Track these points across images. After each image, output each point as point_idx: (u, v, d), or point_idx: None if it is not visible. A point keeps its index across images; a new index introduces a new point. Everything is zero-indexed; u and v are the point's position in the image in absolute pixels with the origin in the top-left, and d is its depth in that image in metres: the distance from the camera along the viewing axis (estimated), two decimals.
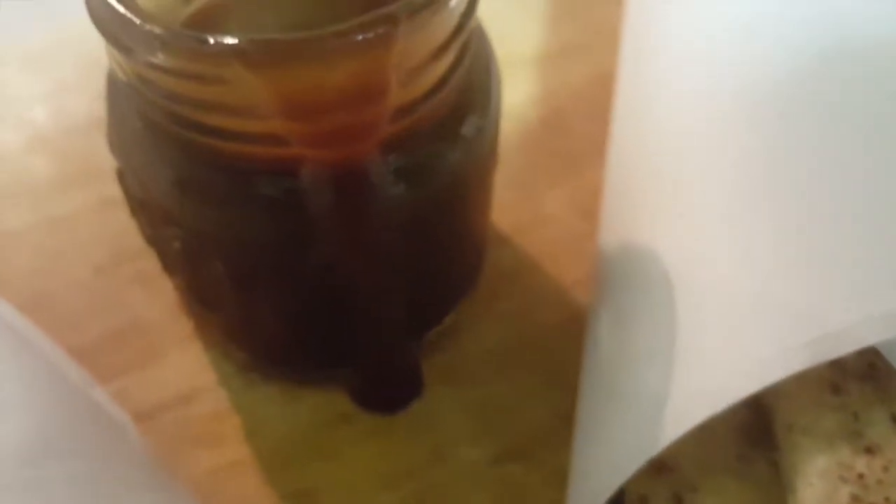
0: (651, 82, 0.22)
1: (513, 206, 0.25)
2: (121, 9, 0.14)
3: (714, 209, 0.17)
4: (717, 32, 0.21)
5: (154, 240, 0.19)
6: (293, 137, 0.15)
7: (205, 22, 0.19)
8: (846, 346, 0.14)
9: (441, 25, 0.15)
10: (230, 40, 0.14)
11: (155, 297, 0.23)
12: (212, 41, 0.14)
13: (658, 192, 0.19)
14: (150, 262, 0.21)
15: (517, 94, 0.28)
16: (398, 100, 0.15)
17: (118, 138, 0.18)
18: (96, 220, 0.25)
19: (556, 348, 0.22)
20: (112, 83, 0.18)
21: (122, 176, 0.18)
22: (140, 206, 0.18)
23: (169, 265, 0.19)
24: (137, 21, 0.14)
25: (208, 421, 0.21)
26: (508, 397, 0.22)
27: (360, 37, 0.14)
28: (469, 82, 0.17)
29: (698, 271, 0.17)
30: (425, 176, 0.17)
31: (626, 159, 0.22)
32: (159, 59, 0.14)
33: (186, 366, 0.22)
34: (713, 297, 0.16)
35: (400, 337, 0.20)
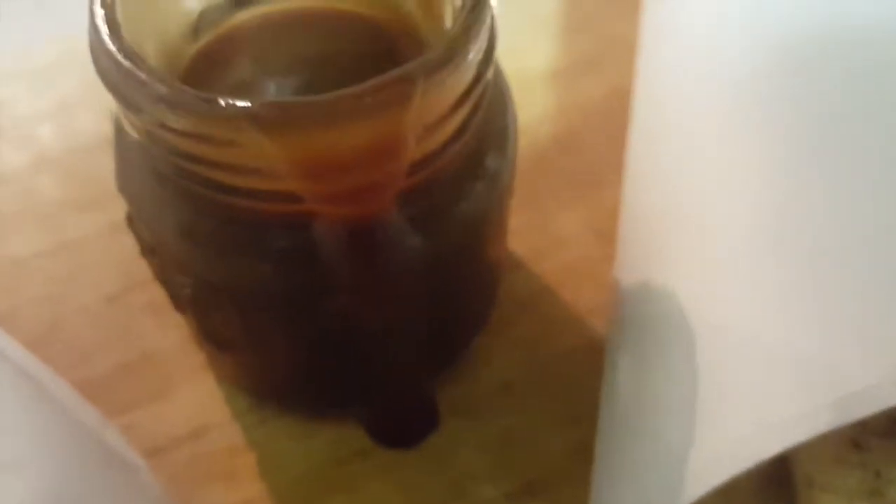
0: (668, 100, 0.22)
1: (525, 229, 0.25)
2: (127, 64, 0.14)
3: (737, 258, 0.17)
4: (739, 47, 0.20)
5: (165, 282, 0.19)
6: (307, 196, 0.15)
7: (213, 57, 0.19)
8: (872, 407, 0.14)
9: (460, 79, 0.15)
10: (243, 103, 0.13)
11: (166, 328, 0.23)
12: (223, 103, 0.13)
13: (679, 231, 0.19)
14: (160, 291, 0.21)
15: (529, 111, 0.27)
16: (415, 154, 0.15)
17: (126, 182, 0.18)
18: (105, 245, 0.25)
19: (573, 378, 0.22)
20: (120, 127, 0.18)
21: (131, 220, 0.18)
22: (150, 252, 0.18)
23: (180, 306, 0.19)
24: (145, 79, 0.14)
25: (221, 457, 0.21)
26: (524, 430, 0.21)
27: (377, 99, 0.14)
28: (486, 123, 0.17)
29: (721, 323, 0.16)
30: (442, 224, 0.17)
31: (644, 187, 0.22)
32: (168, 119, 0.14)
33: (199, 399, 0.22)
34: (736, 351, 0.16)
35: (415, 375, 0.20)
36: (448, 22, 0.17)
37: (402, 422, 0.21)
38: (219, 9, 0.19)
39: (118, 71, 0.14)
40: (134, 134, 0.15)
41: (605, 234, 0.25)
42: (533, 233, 0.25)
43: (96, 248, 0.25)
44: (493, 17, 0.15)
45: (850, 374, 0.14)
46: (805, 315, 0.15)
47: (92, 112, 0.28)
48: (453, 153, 0.16)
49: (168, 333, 0.23)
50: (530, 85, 0.28)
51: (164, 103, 0.14)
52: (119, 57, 0.14)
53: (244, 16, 0.19)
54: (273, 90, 0.19)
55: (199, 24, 0.19)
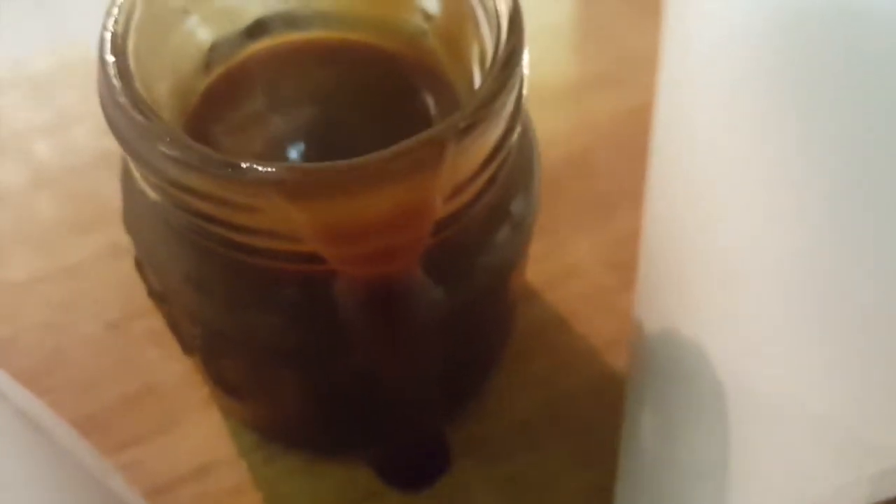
0: (692, 126, 0.21)
1: (538, 256, 0.24)
2: (141, 120, 0.13)
3: (774, 317, 0.16)
4: (770, 64, 0.19)
5: (173, 327, 0.18)
6: (329, 258, 0.14)
7: (226, 90, 0.18)
8: None
9: (490, 136, 0.14)
10: (267, 169, 0.13)
11: (170, 358, 0.22)
12: (246, 168, 0.13)
13: (709, 277, 0.18)
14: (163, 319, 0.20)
15: (541, 130, 0.26)
16: (442, 212, 0.14)
17: (133, 224, 0.17)
18: (106, 268, 0.24)
19: (588, 417, 0.22)
20: (128, 166, 0.17)
21: (139, 265, 0.17)
22: (159, 299, 0.17)
23: (188, 350, 0.19)
24: (161, 137, 0.13)
25: (227, 496, 0.21)
26: (538, 472, 0.21)
27: (405, 164, 0.13)
28: (512, 168, 0.16)
29: (752, 385, 0.16)
30: (468, 275, 0.16)
31: (666, 220, 0.21)
32: (184, 180, 0.13)
33: (204, 435, 0.21)
34: (769, 418, 0.15)
35: (427, 418, 0.20)
36: (475, 65, 0.16)
37: (414, 463, 0.21)
38: (231, 41, 0.18)
39: (131, 126, 0.13)
40: (143, 185, 0.15)
41: (620, 263, 0.24)
42: (545, 260, 0.24)
43: (97, 272, 0.24)
44: (524, 69, 0.15)
45: (892, 447, 0.14)
46: (845, 382, 0.15)
47: (92, 125, 0.27)
48: (480, 207, 0.15)
49: (172, 364, 0.22)
50: (541, 101, 0.27)
51: (182, 165, 0.13)
52: (133, 112, 0.13)
53: (257, 48, 0.18)
54: (288, 126, 0.18)
55: (211, 58, 0.18)
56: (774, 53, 0.19)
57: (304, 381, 0.18)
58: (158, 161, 0.13)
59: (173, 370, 0.22)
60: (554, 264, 0.24)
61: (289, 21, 0.18)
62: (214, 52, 0.18)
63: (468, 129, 0.13)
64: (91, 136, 0.26)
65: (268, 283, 0.15)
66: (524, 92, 0.15)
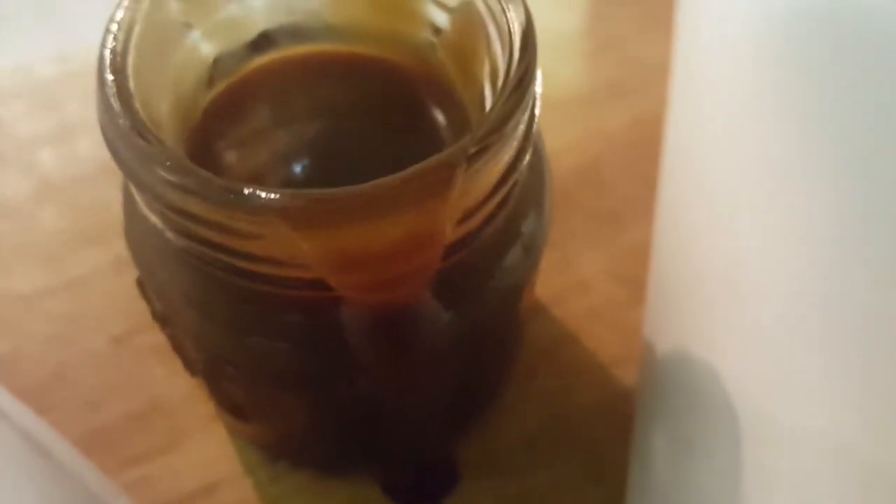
0: (705, 132, 0.20)
1: (546, 270, 0.23)
2: (143, 145, 0.13)
3: (790, 341, 0.16)
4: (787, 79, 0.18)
5: (177, 349, 0.18)
6: (335, 285, 0.14)
7: (230, 105, 0.18)
8: None
9: (501, 158, 0.14)
10: (270, 195, 0.12)
11: (175, 374, 0.22)
12: (247, 192, 0.12)
13: (723, 298, 0.17)
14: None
15: (550, 140, 0.26)
16: (451, 237, 0.14)
17: (135, 244, 0.17)
18: (110, 281, 0.24)
19: (596, 434, 0.21)
20: (128, 186, 0.17)
21: (142, 285, 0.17)
22: (161, 321, 0.17)
23: (193, 371, 0.18)
24: (163, 163, 0.13)
25: None
26: (547, 488, 0.21)
27: (414, 190, 0.13)
28: (524, 191, 0.16)
29: (769, 410, 0.15)
30: (479, 299, 0.16)
31: (677, 234, 0.20)
32: (186, 206, 0.13)
33: (210, 452, 0.21)
34: (787, 448, 0.15)
35: (435, 436, 0.19)
36: (485, 81, 0.16)
37: (421, 480, 0.20)
38: (235, 55, 0.18)
39: (130, 150, 0.13)
40: (144, 209, 0.14)
41: (629, 277, 0.24)
42: (553, 274, 0.24)
43: (101, 285, 0.24)
44: (537, 89, 0.14)
45: None
46: (862, 414, 0.14)
47: (97, 135, 0.26)
48: (491, 230, 0.15)
49: (177, 380, 0.22)
50: (549, 110, 0.27)
51: (182, 190, 0.13)
52: (132, 135, 0.13)
53: (262, 61, 0.18)
54: (292, 140, 0.18)
55: (214, 72, 0.17)
56: (794, 60, 0.18)
57: (309, 404, 0.17)
58: (158, 186, 0.13)
59: (179, 386, 0.22)
60: (563, 278, 0.24)
61: (295, 34, 0.18)
62: (218, 67, 0.17)
63: (479, 153, 0.13)
64: (96, 146, 0.26)
65: (272, 307, 0.15)
66: (537, 112, 0.14)
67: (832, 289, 0.16)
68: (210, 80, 0.17)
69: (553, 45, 0.28)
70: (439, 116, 0.18)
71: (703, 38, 0.22)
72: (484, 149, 0.13)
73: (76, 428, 0.21)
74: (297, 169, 0.18)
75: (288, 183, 0.17)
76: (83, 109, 0.27)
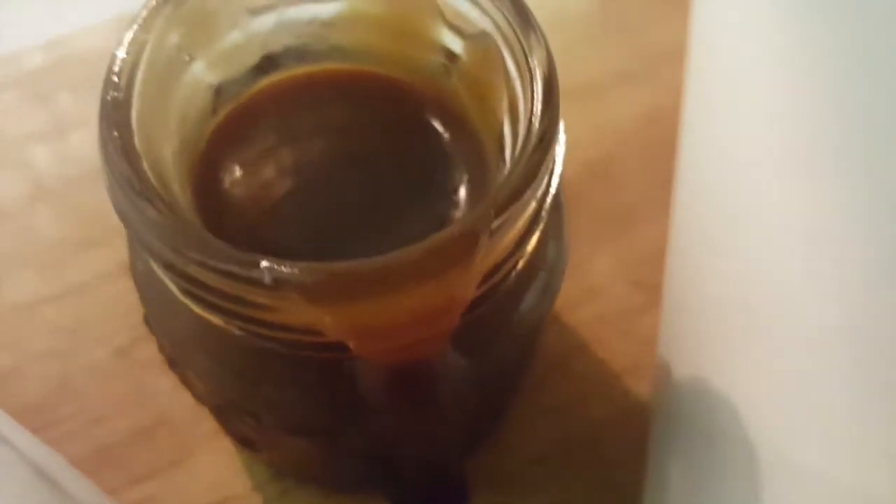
0: (723, 123, 0.20)
1: None
2: (154, 215, 0.12)
3: (810, 380, 0.15)
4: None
5: (186, 384, 0.17)
6: (354, 350, 0.13)
7: (234, 130, 0.17)
8: None
9: (524, 217, 0.13)
10: (287, 269, 0.12)
11: (181, 387, 0.21)
12: (263, 265, 0.12)
13: (744, 325, 0.17)
14: None
15: None
16: (473, 294, 0.13)
17: (142, 283, 0.16)
18: (111, 288, 0.23)
19: (609, 449, 0.21)
20: None
21: (149, 323, 0.16)
22: (170, 361, 0.16)
23: (200, 401, 0.18)
24: (174, 236, 0.12)
25: None
26: None
27: (436, 261, 0.12)
28: (544, 231, 0.15)
29: (788, 452, 0.15)
30: (496, 344, 0.15)
31: (693, 237, 0.20)
32: (198, 276, 0.12)
33: (217, 469, 0.21)
34: (802, 484, 0.15)
35: (446, 455, 0.19)
36: (504, 114, 0.15)
37: (432, 497, 0.20)
38: (238, 80, 0.17)
39: (143, 223, 0.12)
40: (155, 268, 0.14)
41: (642, 281, 0.23)
42: (564, 280, 0.23)
43: (103, 292, 0.23)
44: (560, 146, 0.14)
45: None
46: (881, 458, 0.14)
47: (91, 130, 0.25)
48: (511, 280, 0.14)
49: (184, 393, 0.21)
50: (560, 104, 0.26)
51: (197, 265, 0.12)
52: (143, 205, 0.12)
53: (265, 83, 0.17)
54: (300, 170, 0.17)
55: (218, 100, 0.17)
56: (813, 43, 0.17)
57: (322, 445, 0.17)
58: (171, 256, 0.12)
59: (186, 400, 0.21)
60: (574, 283, 0.23)
61: (300, 56, 0.17)
62: (221, 94, 0.17)
63: (503, 219, 0.12)
64: (91, 143, 0.25)
65: (285, 361, 0.14)
66: (559, 167, 0.14)
67: (864, 321, 0.15)
68: (214, 108, 0.17)
69: (561, 29, 0.27)
70: (452, 141, 0.17)
71: (720, 18, 0.21)
72: (507, 214, 0.12)
73: (80, 445, 0.21)
74: (305, 199, 0.17)
75: (297, 217, 0.17)
76: (76, 103, 0.26)
